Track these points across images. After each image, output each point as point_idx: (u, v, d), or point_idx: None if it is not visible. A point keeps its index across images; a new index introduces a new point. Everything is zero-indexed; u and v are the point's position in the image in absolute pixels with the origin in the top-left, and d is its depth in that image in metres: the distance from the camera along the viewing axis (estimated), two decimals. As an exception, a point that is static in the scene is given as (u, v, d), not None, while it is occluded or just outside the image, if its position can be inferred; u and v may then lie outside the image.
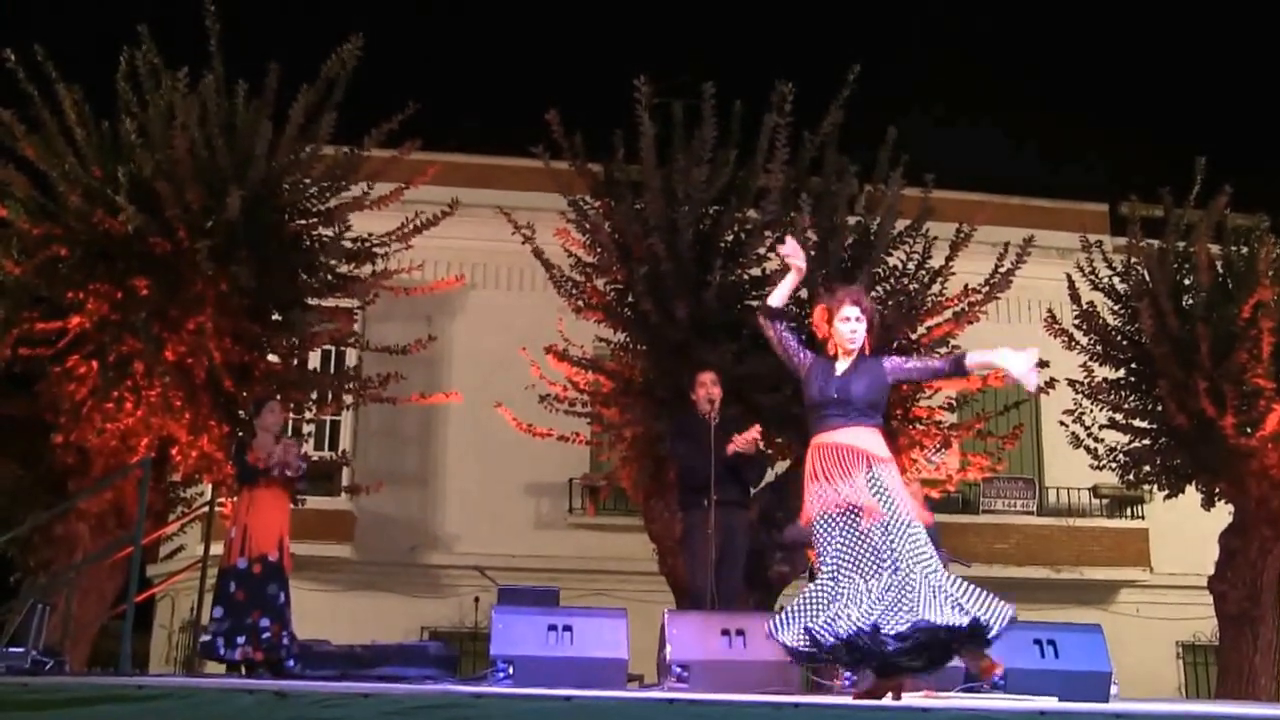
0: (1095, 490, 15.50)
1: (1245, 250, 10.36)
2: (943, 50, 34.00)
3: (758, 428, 6.91)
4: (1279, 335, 9.53)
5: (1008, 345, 5.03)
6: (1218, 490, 10.43)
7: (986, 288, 9.40)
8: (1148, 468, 10.65)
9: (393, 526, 14.72)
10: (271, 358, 9.02)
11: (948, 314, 9.34)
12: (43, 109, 8.45)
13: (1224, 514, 10.52)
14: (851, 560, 4.88)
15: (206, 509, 9.02)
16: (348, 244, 9.11)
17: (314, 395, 9.71)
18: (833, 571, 4.91)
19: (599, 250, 9.26)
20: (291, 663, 7.13)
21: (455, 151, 14.52)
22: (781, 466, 9.26)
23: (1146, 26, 36.48)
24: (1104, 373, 10.73)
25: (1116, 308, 10.71)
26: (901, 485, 5.02)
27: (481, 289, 15.36)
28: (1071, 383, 10.51)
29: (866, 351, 5.19)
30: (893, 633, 4.68)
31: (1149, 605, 15.50)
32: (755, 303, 8.96)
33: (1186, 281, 10.30)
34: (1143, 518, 15.77)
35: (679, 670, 6.01)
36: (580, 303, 9.36)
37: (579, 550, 14.70)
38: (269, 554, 7.16)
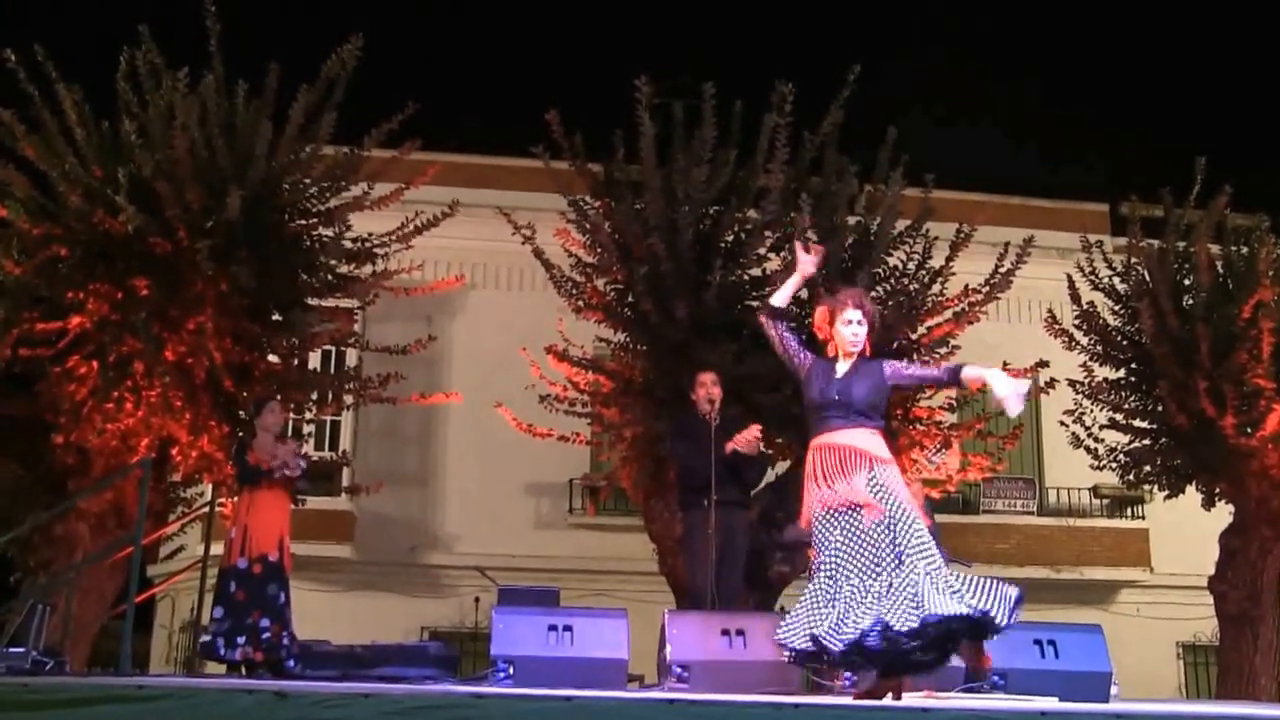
0: (1095, 490, 15.50)
1: (1245, 250, 10.36)
2: (943, 50, 34.02)
3: (757, 427, 6.91)
4: (1279, 335, 9.53)
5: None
6: (1218, 490, 10.43)
7: (987, 288, 9.40)
8: (1148, 468, 10.65)
9: (393, 527, 14.72)
10: (272, 358, 9.02)
11: (948, 314, 9.34)
12: (43, 109, 8.45)
13: (1224, 514, 10.52)
14: (851, 560, 4.88)
15: (207, 509, 9.02)
16: (348, 244, 9.11)
17: (314, 395, 9.71)
18: (831, 570, 4.91)
19: (599, 250, 9.26)
20: (292, 663, 7.13)
21: (455, 152, 14.51)
22: (781, 466, 9.26)
23: (1146, 26, 36.49)
24: (1104, 373, 10.73)
25: (1117, 308, 10.71)
26: (903, 484, 5.04)
27: (481, 289, 15.36)
28: (1072, 383, 10.51)
29: (867, 353, 5.20)
30: (904, 629, 4.68)
31: (1149, 605, 15.50)
32: (755, 303, 8.97)
33: (1187, 281, 10.30)
34: (1143, 518, 15.77)
35: (679, 670, 6.01)
36: (580, 303, 9.36)
37: (579, 550, 14.70)
38: (269, 554, 7.16)
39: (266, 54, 8.84)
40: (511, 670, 5.99)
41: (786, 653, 4.98)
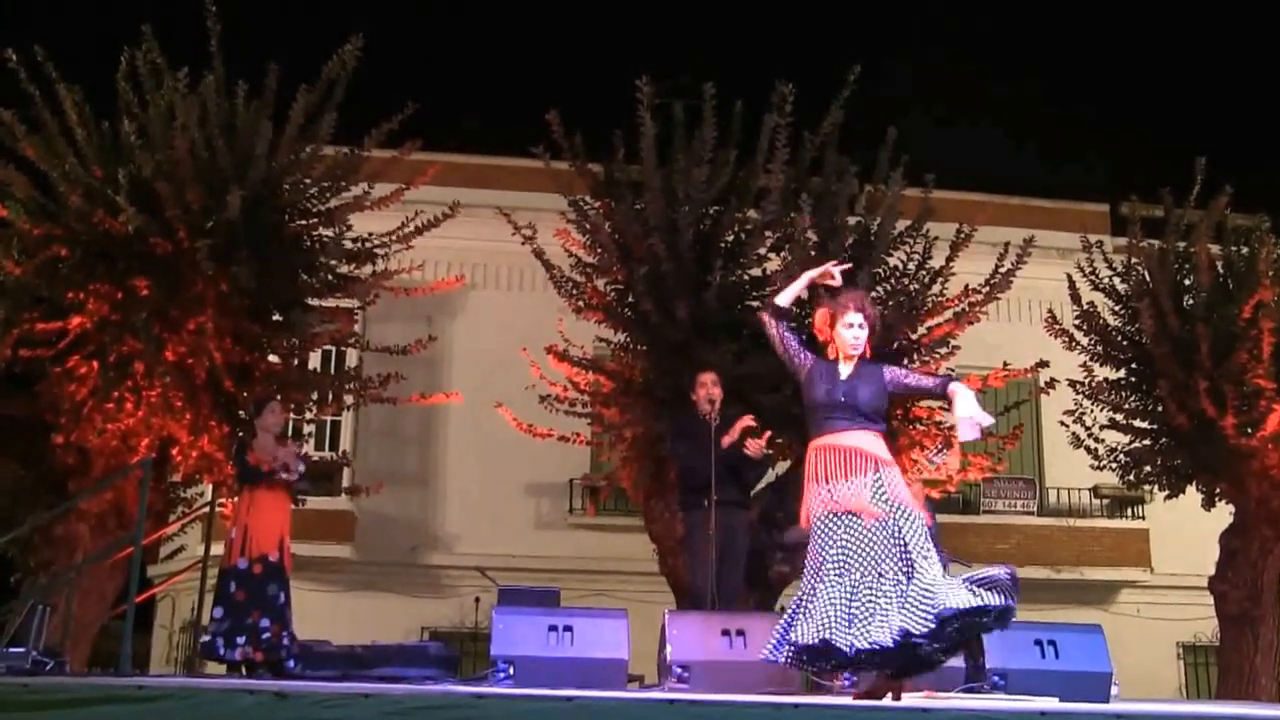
0: (1096, 490, 15.50)
1: (1245, 250, 10.36)
2: (943, 50, 34.01)
3: (750, 417, 6.94)
4: (1279, 335, 9.53)
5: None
6: (1218, 490, 10.42)
7: (987, 288, 9.40)
8: (1148, 468, 10.65)
9: (393, 527, 14.71)
10: (272, 358, 9.02)
11: (948, 314, 9.34)
12: (43, 109, 8.45)
13: (1224, 514, 10.52)
14: (859, 561, 4.88)
15: (207, 509, 9.02)
16: (348, 244, 9.11)
17: (314, 396, 9.71)
18: (839, 572, 4.89)
19: (599, 250, 9.26)
20: (292, 663, 7.13)
21: (455, 152, 14.51)
22: (782, 467, 9.26)
23: (1146, 26, 36.49)
24: (1104, 373, 10.72)
25: (1117, 308, 10.71)
26: (905, 486, 5.07)
27: (482, 289, 15.36)
28: (1072, 383, 10.51)
29: (867, 356, 5.22)
30: (923, 632, 4.72)
31: (1149, 605, 15.49)
32: (756, 303, 8.97)
33: (1187, 282, 10.29)
34: (1143, 518, 15.76)
35: (679, 671, 6.01)
36: (580, 303, 9.36)
37: (579, 550, 14.70)
38: (269, 554, 7.16)
39: (266, 54, 8.86)
40: (512, 670, 5.99)
41: (786, 650, 4.97)
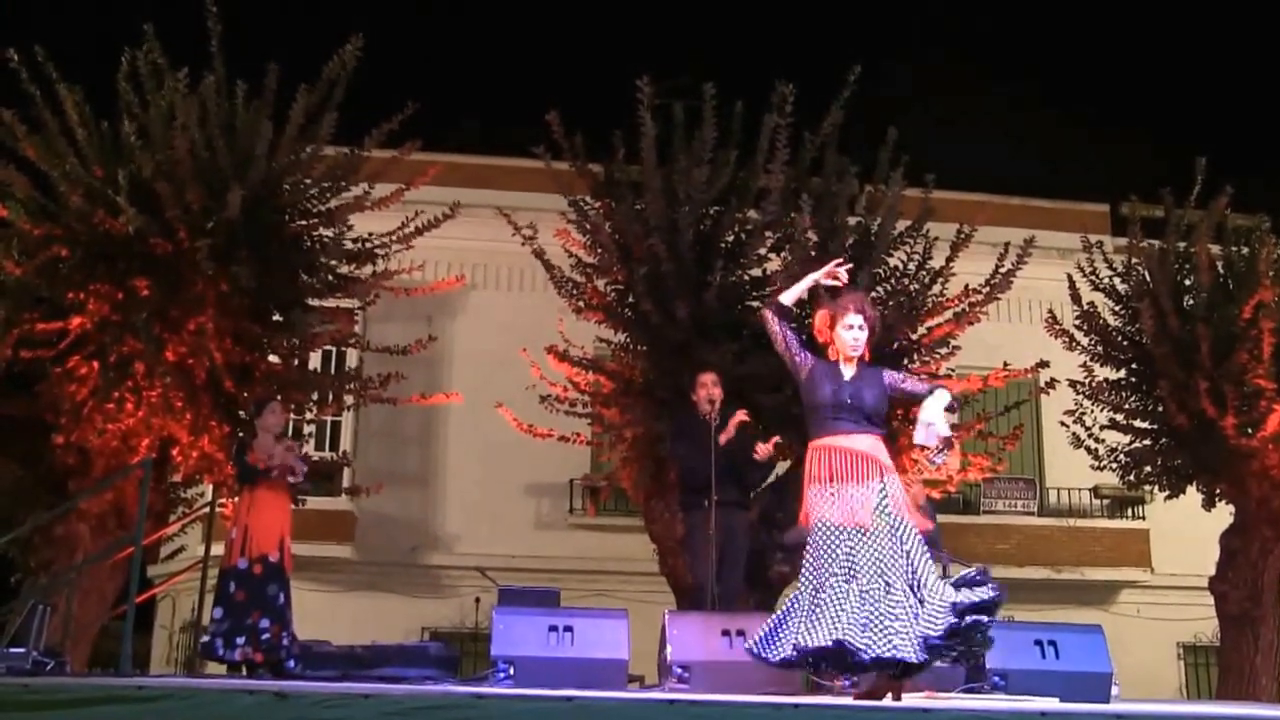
0: (1096, 491, 15.50)
1: (1246, 251, 10.36)
2: (943, 50, 34.02)
3: (774, 440, 6.96)
4: (1279, 336, 9.53)
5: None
6: (1218, 491, 10.42)
7: (987, 288, 9.40)
8: (1148, 468, 10.65)
9: (393, 527, 14.72)
10: (272, 358, 9.02)
11: (948, 314, 9.34)
12: (44, 109, 8.45)
13: (1225, 514, 10.51)
14: (865, 571, 4.89)
15: (207, 510, 9.02)
16: (348, 245, 9.11)
17: (315, 396, 9.71)
18: (845, 576, 4.90)
19: (599, 251, 9.26)
20: (292, 663, 7.13)
21: (455, 152, 14.51)
22: (782, 467, 9.26)
23: (1147, 26, 36.49)
24: (1105, 373, 10.72)
25: (1117, 308, 10.70)
26: (905, 494, 5.12)
27: (482, 289, 15.36)
28: (1072, 383, 10.51)
29: (866, 358, 5.24)
30: (940, 632, 4.77)
31: (1150, 606, 15.49)
32: (756, 303, 8.97)
33: (1187, 282, 10.29)
34: (1143, 518, 15.76)
35: (679, 671, 6.01)
36: (581, 303, 9.36)
37: (579, 551, 14.70)
38: (270, 554, 7.16)
39: (267, 54, 8.85)
40: (512, 671, 5.99)
41: (787, 651, 4.96)
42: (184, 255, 8.28)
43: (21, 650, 6.31)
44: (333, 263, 9.14)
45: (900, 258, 9.49)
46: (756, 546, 8.07)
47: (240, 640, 6.99)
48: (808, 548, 5.08)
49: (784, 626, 5.03)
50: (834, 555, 4.95)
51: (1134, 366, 10.54)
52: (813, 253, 8.80)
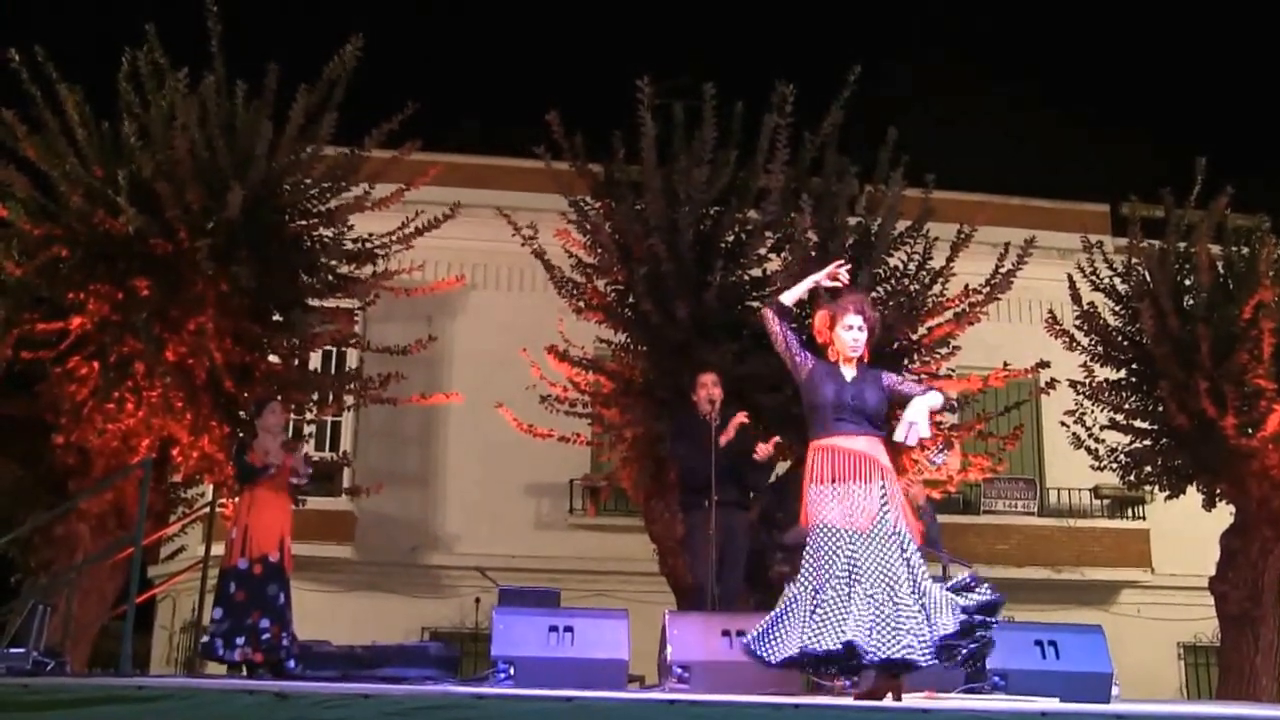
0: (1096, 491, 15.49)
1: (1246, 251, 10.36)
2: (943, 50, 34.02)
3: (742, 415, 6.96)
4: (1279, 336, 9.53)
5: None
6: (1219, 491, 10.42)
7: (987, 288, 9.41)
8: (1149, 468, 10.65)
9: (393, 527, 14.71)
10: (272, 358, 9.02)
11: (949, 314, 9.34)
12: (44, 109, 8.45)
13: (1225, 515, 10.51)
14: (868, 574, 4.89)
15: (207, 510, 9.02)
16: (348, 245, 9.11)
17: (315, 396, 9.71)
18: (848, 579, 4.90)
19: (599, 251, 9.26)
20: (292, 663, 7.12)
21: (455, 152, 14.50)
22: (782, 467, 9.26)
23: (1147, 26, 36.49)
24: (1105, 373, 10.72)
25: (1117, 308, 10.71)
26: (903, 497, 5.15)
27: (482, 289, 15.36)
28: (1072, 383, 10.51)
29: (865, 359, 5.25)
30: (953, 630, 4.80)
31: (1150, 606, 15.49)
32: (756, 303, 8.97)
33: (1187, 282, 10.29)
34: (1144, 518, 15.75)
35: (680, 671, 6.01)
36: (581, 303, 9.36)
37: (579, 551, 14.69)
38: (270, 554, 7.16)
39: (267, 55, 8.86)
40: (512, 671, 5.99)
41: (789, 652, 4.95)
42: (184, 255, 8.28)
43: (21, 650, 6.31)
44: (333, 263, 9.14)
45: (900, 258, 9.49)
46: (756, 546, 8.06)
47: (240, 640, 6.99)
48: (807, 548, 5.08)
49: (782, 626, 5.02)
50: (835, 557, 4.95)
51: (1134, 367, 10.54)
52: (813, 253, 8.80)
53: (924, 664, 4.78)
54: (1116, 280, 10.73)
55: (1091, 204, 16.71)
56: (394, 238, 9.25)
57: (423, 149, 9.47)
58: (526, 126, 10.34)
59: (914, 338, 9.24)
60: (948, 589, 4.98)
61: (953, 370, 9.69)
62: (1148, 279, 10.28)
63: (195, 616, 9.72)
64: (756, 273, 9.37)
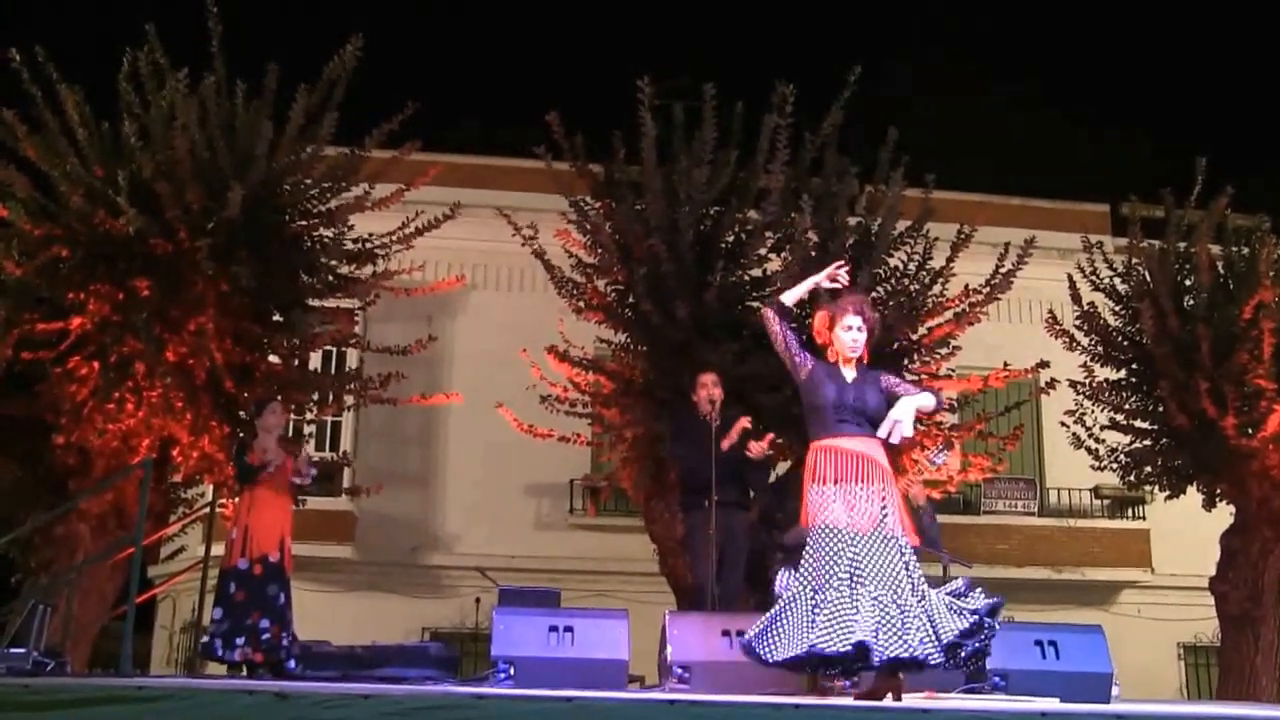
0: (1096, 491, 15.49)
1: (1246, 251, 10.36)
2: (943, 50, 34.03)
3: (746, 420, 6.95)
4: (1279, 336, 9.54)
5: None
6: (1219, 491, 10.42)
7: (987, 288, 9.40)
8: (1149, 468, 10.64)
9: (393, 527, 14.71)
10: (272, 359, 9.02)
11: (949, 315, 9.34)
12: (45, 110, 8.45)
13: (1225, 515, 10.51)
14: (871, 576, 4.89)
15: (207, 510, 9.02)
16: (349, 245, 9.11)
17: (315, 396, 9.71)
18: (851, 581, 4.90)
19: (600, 251, 9.26)
20: (292, 664, 7.12)
21: (456, 152, 14.53)
22: (782, 467, 9.26)
23: (1147, 26, 36.49)
24: (1105, 373, 10.72)
25: (1117, 308, 10.70)
26: (901, 500, 5.18)
27: (482, 289, 15.36)
28: (1072, 383, 10.51)
29: (864, 360, 5.26)
30: (966, 627, 4.85)
31: (1150, 606, 15.49)
32: (756, 303, 8.97)
33: (1187, 282, 10.29)
34: (1144, 518, 15.75)
35: (680, 671, 6.00)
36: (581, 303, 9.36)
37: (580, 551, 14.69)
38: (270, 555, 7.16)
39: (267, 55, 8.86)
40: (512, 671, 5.99)
41: (795, 652, 4.93)
42: (184, 255, 8.28)
43: (22, 650, 6.31)
44: (333, 263, 9.14)
45: (900, 258, 9.49)
46: (757, 547, 8.06)
47: (240, 641, 6.98)
48: (808, 548, 5.06)
49: (781, 626, 5.01)
50: (837, 558, 4.94)
51: (1134, 367, 10.54)
52: (813, 253, 8.80)
53: (934, 663, 4.79)
54: (1117, 280, 10.73)
55: (1091, 204, 16.72)
56: (394, 238, 9.25)
57: (423, 149, 9.47)
58: (526, 126, 10.36)
59: (914, 338, 9.23)
60: (944, 594, 5.00)
61: (953, 370, 9.69)
62: (1148, 279, 10.28)
63: (195, 617, 9.72)
64: (757, 273, 9.37)
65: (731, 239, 9.25)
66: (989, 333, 10.74)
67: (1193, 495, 10.66)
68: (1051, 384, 9.94)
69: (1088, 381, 10.62)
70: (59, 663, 6.45)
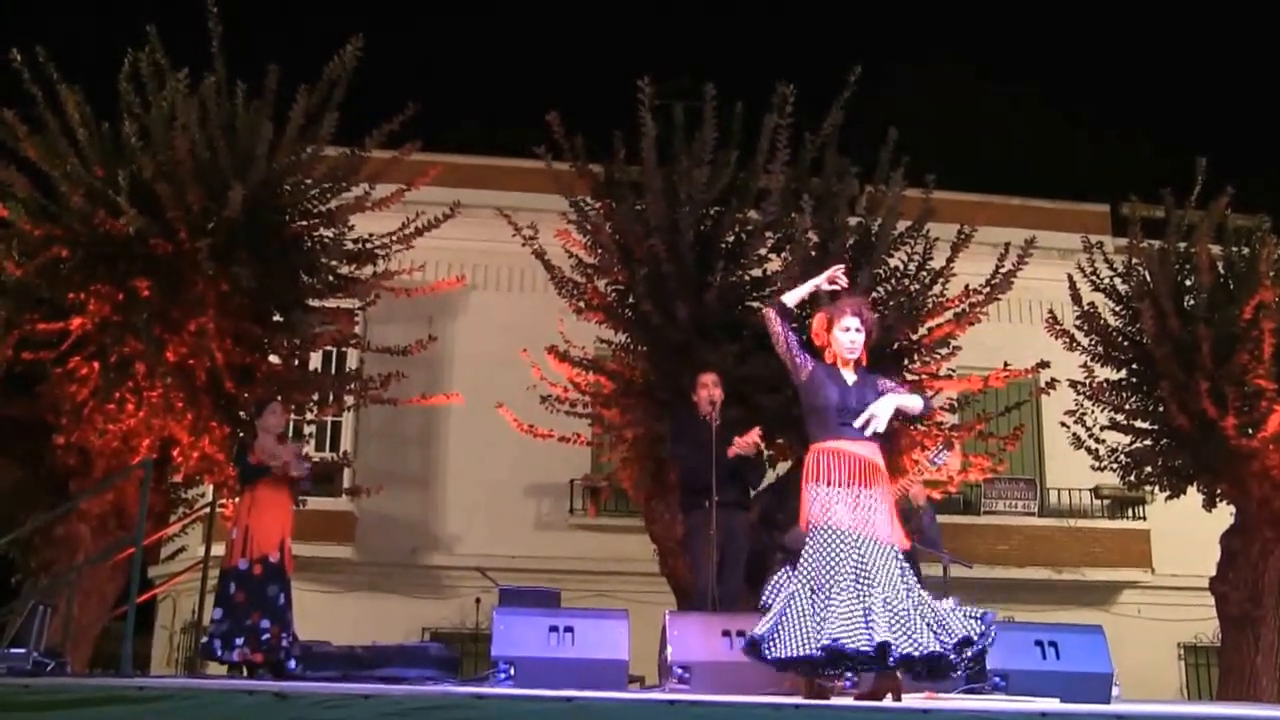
0: (1096, 491, 15.49)
1: (1246, 251, 10.36)
2: (943, 50, 34.04)
3: (758, 430, 6.94)
4: (1280, 336, 9.54)
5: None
6: (1219, 491, 10.42)
7: (987, 289, 9.40)
8: (1149, 469, 10.64)
9: (394, 527, 14.71)
10: (273, 359, 9.03)
11: (949, 315, 9.34)
12: (45, 110, 8.45)
13: (1225, 515, 10.51)
14: (877, 577, 4.89)
15: (208, 510, 9.02)
16: (349, 245, 9.11)
17: (315, 396, 9.71)
18: (856, 580, 4.90)
19: (600, 251, 9.26)
20: (292, 664, 7.13)
21: (456, 153, 14.52)
22: (782, 467, 9.26)
23: (1147, 27, 36.49)
24: (1105, 373, 10.72)
25: (1118, 308, 10.70)
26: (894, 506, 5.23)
27: (482, 290, 15.36)
28: (1073, 384, 10.51)
29: (863, 362, 5.27)
30: (969, 631, 4.87)
31: (1150, 606, 15.49)
32: (756, 304, 8.98)
33: (1188, 282, 10.29)
34: (1144, 519, 15.75)
35: (680, 671, 6.00)
36: (581, 304, 9.36)
37: (580, 551, 14.70)
38: (270, 555, 7.16)
39: (267, 55, 8.87)
40: (512, 671, 5.98)
41: (807, 650, 4.91)
42: (184, 256, 8.28)
43: (22, 651, 6.31)
44: (333, 263, 9.14)
45: (901, 258, 9.49)
46: (757, 547, 8.07)
47: (239, 641, 6.99)
48: (808, 547, 5.04)
49: (790, 625, 4.97)
50: (842, 559, 4.92)
51: (1134, 367, 10.54)
52: (813, 253, 8.80)
53: (953, 659, 4.82)
54: (1117, 280, 10.73)
55: (1091, 204, 16.72)
56: (394, 238, 9.25)
57: (423, 149, 9.47)
58: (526, 127, 10.36)
59: (914, 338, 9.24)
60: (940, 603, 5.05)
61: (953, 370, 9.69)
62: (1148, 279, 10.28)
63: (196, 617, 9.72)
64: (757, 273, 9.36)
65: (732, 239, 9.25)
66: (989, 333, 10.74)
67: (1193, 495, 10.66)
68: (1052, 384, 9.94)
69: (1088, 382, 10.62)
70: (59, 663, 6.45)
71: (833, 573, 4.92)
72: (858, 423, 5.08)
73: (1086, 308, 10.64)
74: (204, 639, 7.17)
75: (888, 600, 4.85)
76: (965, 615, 4.94)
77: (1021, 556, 15.39)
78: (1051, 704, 5.23)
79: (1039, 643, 6.49)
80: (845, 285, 5.48)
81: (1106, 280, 10.76)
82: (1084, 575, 15.59)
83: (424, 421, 14.78)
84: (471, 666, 11.38)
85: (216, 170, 8.36)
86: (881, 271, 9.33)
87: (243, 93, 8.70)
